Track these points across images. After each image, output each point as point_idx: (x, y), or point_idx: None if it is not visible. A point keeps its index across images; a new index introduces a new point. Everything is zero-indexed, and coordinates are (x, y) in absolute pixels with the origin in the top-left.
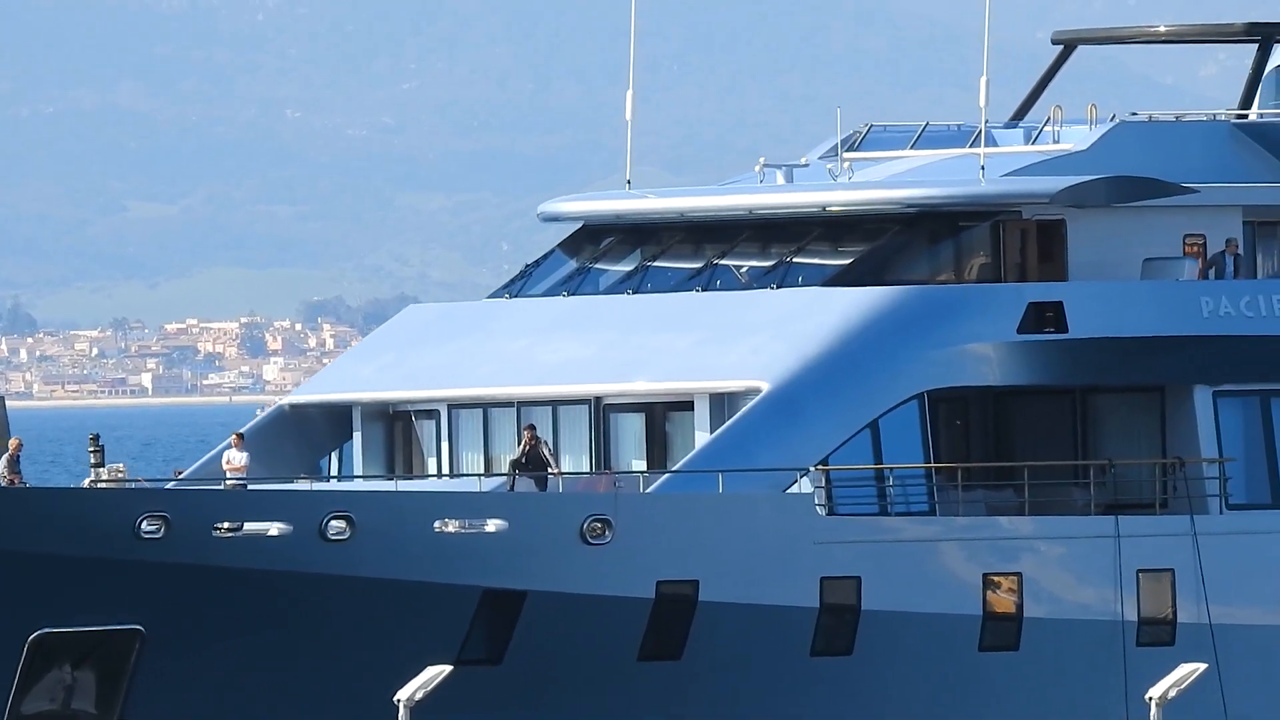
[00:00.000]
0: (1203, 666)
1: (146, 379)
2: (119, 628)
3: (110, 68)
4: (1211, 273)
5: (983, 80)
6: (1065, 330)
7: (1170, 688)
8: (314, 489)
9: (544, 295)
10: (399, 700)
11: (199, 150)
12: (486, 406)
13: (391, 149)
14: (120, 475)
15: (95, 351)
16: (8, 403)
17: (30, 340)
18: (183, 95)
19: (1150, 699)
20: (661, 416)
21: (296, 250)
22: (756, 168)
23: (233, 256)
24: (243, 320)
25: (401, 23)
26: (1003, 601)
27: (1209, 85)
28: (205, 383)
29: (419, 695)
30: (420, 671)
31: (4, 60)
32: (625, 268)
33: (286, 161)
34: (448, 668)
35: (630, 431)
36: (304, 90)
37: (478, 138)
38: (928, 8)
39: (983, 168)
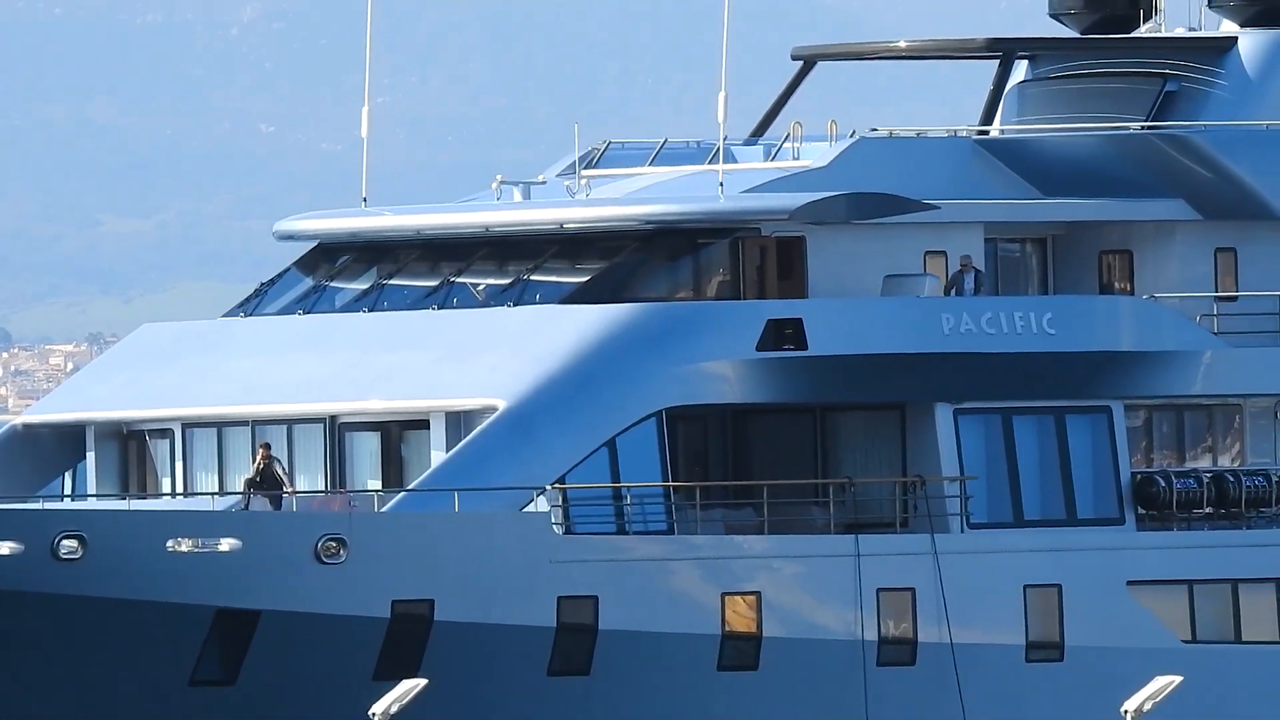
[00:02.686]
0: (1178, 679)
1: None
2: None
3: (84, 82)
4: (954, 289)
5: (721, 96)
6: (804, 347)
7: (1146, 700)
8: (45, 508)
9: (279, 314)
10: (374, 714)
11: (173, 165)
12: (221, 425)
13: (368, 162)
14: None
15: (70, 366)
16: None
17: (5, 355)
18: (157, 110)
19: (1125, 711)
20: (397, 435)
21: (272, 265)
22: (494, 185)
23: (208, 271)
24: None
25: (375, 37)
26: (741, 621)
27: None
28: None
29: (393, 709)
30: (153, 693)
31: None
32: (361, 286)
33: (261, 176)
34: (423, 681)
35: (365, 450)
36: (278, 104)
37: (452, 151)
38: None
39: (721, 184)
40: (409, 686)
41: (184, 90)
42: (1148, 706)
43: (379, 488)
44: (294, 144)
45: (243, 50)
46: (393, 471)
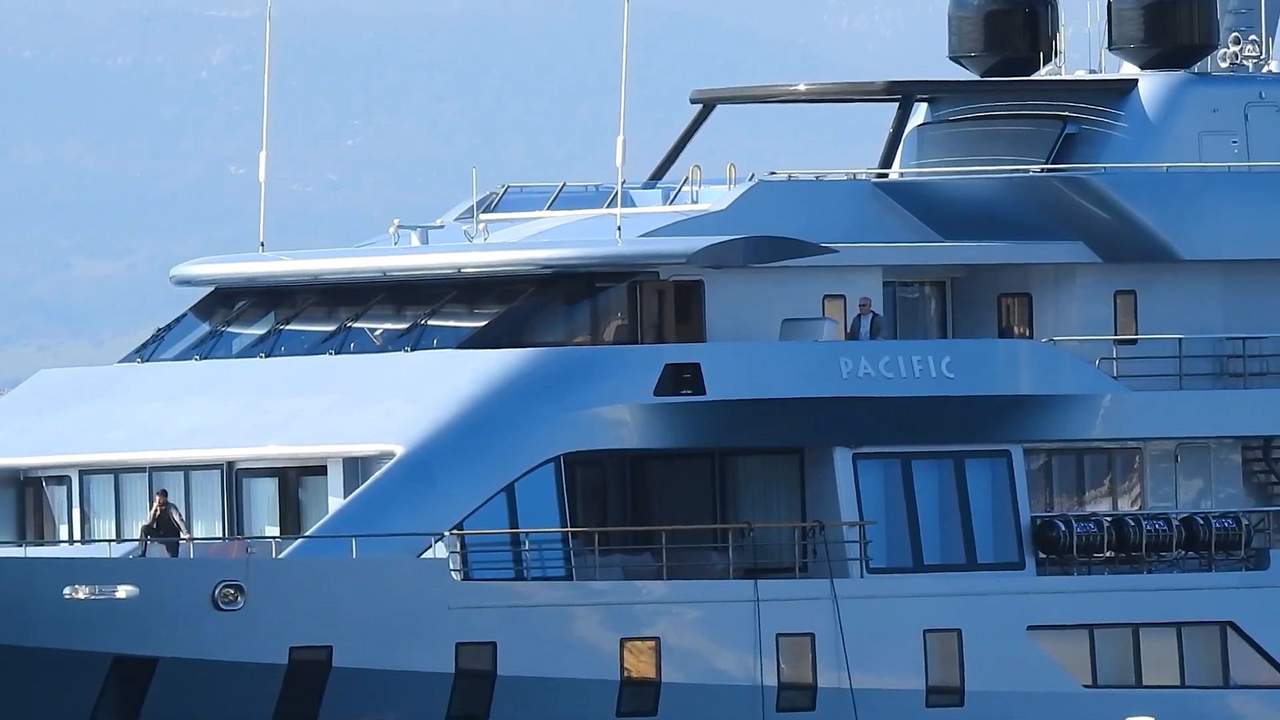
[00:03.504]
0: None
1: None
2: None
3: (55, 124)
4: (852, 334)
5: (619, 140)
6: (703, 392)
7: None
8: None
9: (176, 359)
10: None
11: (144, 207)
12: (118, 472)
13: (335, 205)
14: None
15: None
16: None
17: None
18: (127, 152)
19: None
20: (295, 481)
21: None
22: (391, 229)
23: (179, 313)
24: None
25: (346, 79)
26: (640, 667)
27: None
28: None
29: None
30: None
31: None
32: (258, 331)
33: (231, 218)
34: None
35: (263, 496)
36: (248, 146)
37: (422, 192)
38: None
39: (619, 228)
40: None
41: (154, 133)
42: None
43: (277, 534)
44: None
45: (213, 92)
46: (290, 518)
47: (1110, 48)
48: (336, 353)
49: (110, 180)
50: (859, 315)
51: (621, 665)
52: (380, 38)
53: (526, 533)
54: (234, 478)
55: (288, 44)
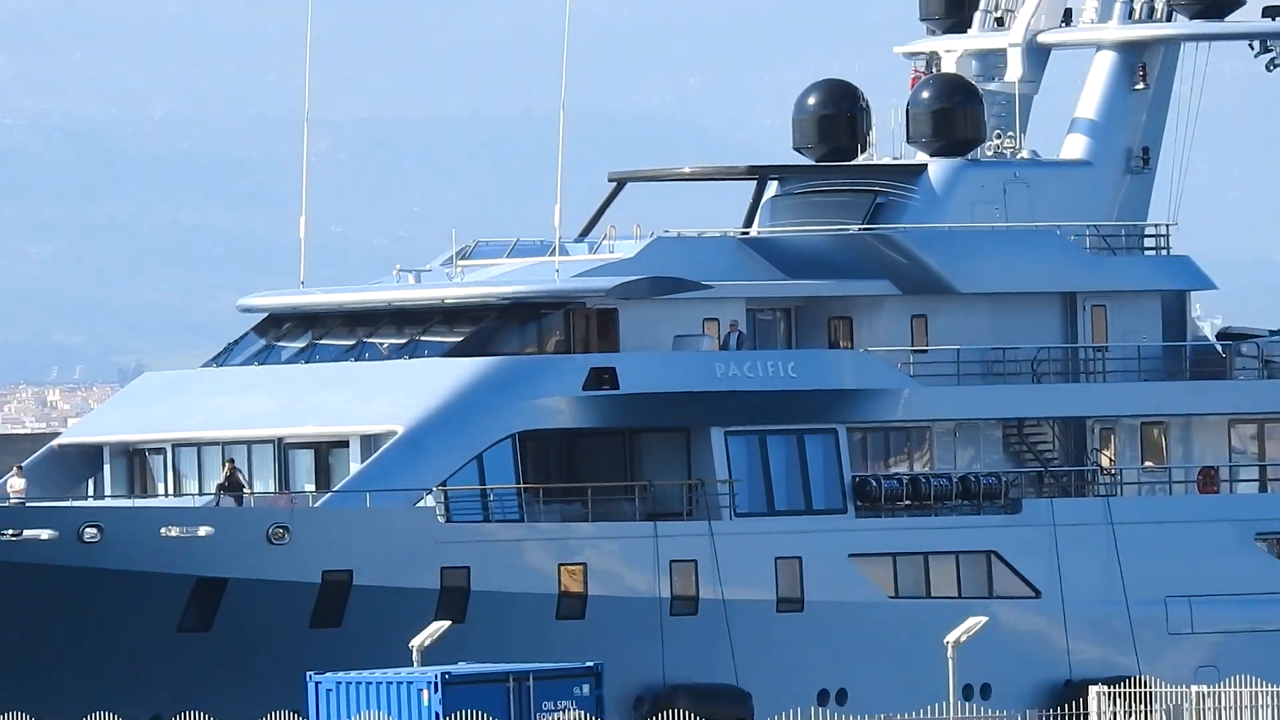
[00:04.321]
0: (984, 619)
1: None
2: None
3: (203, 195)
4: (724, 346)
5: (556, 208)
6: (618, 387)
7: (961, 634)
8: (73, 505)
9: (241, 365)
10: (413, 646)
11: (268, 255)
12: (200, 446)
13: (404, 255)
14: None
15: None
16: None
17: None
18: (255, 216)
19: (947, 643)
20: (326, 452)
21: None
22: (394, 272)
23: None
24: None
25: (408, 158)
26: (573, 584)
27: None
28: None
29: (427, 643)
30: (151, 637)
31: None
32: (299, 345)
33: (326, 262)
34: (448, 622)
35: (303, 463)
36: (341, 211)
37: (417, 245)
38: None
39: (557, 270)
40: (437, 627)
41: (274, 202)
42: (963, 639)
43: (313, 490)
44: (352, 239)
45: (317, 174)
46: (323, 479)
47: (908, 141)
48: (356, 360)
49: (243, 236)
50: (729, 333)
51: (559, 583)
52: (399, 138)
53: (492, 488)
54: (283, 450)
55: (344, 140)
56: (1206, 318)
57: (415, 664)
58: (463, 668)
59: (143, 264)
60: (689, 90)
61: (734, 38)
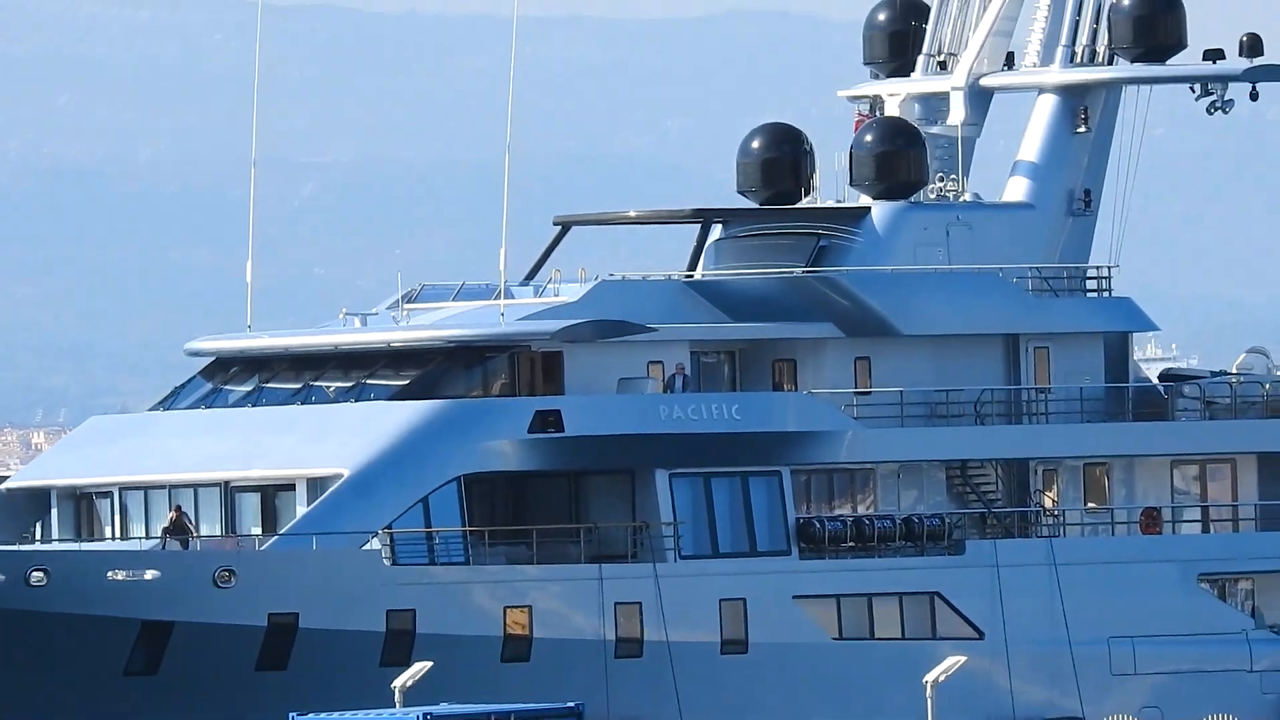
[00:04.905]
0: (963, 659)
1: None
2: None
3: (192, 237)
4: (669, 388)
5: (501, 251)
6: (562, 430)
7: (941, 673)
8: (20, 549)
9: (188, 408)
10: (395, 687)
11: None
12: (146, 489)
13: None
14: None
15: None
16: None
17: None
18: (240, 257)
19: (926, 682)
20: (272, 495)
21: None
22: (340, 315)
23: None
24: None
25: (394, 201)
26: (518, 626)
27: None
28: None
29: (409, 683)
30: (94, 681)
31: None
32: (246, 388)
33: (316, 303)
34: (429, 663)
35: (250, 506)
36: (327, 254)
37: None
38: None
39: (503, 314)
40: (420, 667)
41: (260, 244)
42: (943, 678)
43: (260, 533)
44: (356, 288)
45: (302, 217)
46: (269, 522)
47: (851, 184)
48: (302, 404)
49: (229, 278)
50: (674, 375)
51: (505, 625)
52: (386, 181)
53: (437, 531)
54: (229, 493)
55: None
56: (1183, 358)
57: (397, 704)
58: (444, 708)
59: (129, 306)
60: (670, 132)
61: (713, 83)
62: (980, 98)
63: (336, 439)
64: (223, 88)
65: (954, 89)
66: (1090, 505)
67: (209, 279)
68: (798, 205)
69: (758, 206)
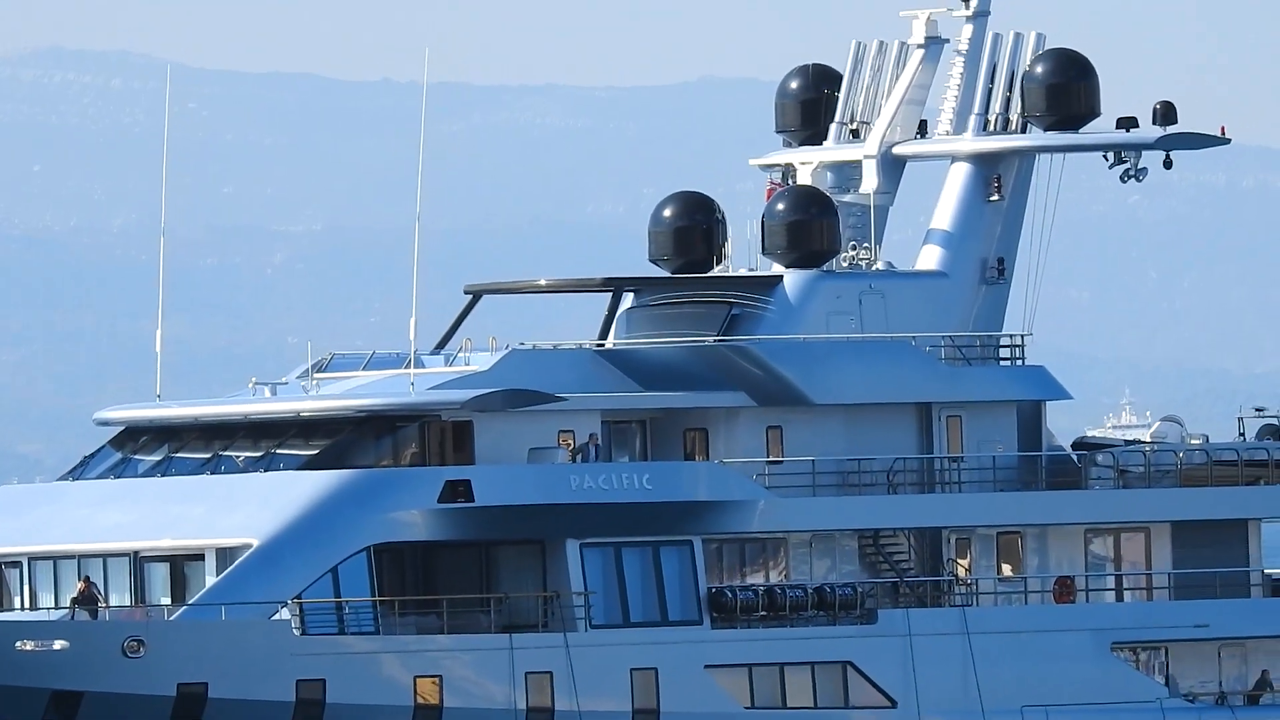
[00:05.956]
0: None
1: None
2: None
3: (164, 304)
4: (579, 458)
5: (412, 320)
6: (473, 500)
7: None
8: None
9: (98, 478)
10: None
11: (225, 363)
12: (55, 559)
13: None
14: None
15: None
16: None
17: None
18: (211, 325)
19: None
20: (181, 565)
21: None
22: (250, 384)
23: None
24: None
25: (366, 267)
26: (429, 696)
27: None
28: None
29: None
30: None
31: None
32: (156, 458)
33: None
34: None
35: (159, 576)
36: (301, 323)
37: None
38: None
39: (413, 383)
40: None
41: (233, 312)
42: None
43: (168, 603)
44: (213, 346)
45: (276, 284)
46: (179, 591)
47: (763, 253)
48: (211, 473)
49: (200, 345)
50: (585, 444)
51: (415, 695)
52: (358, 247)
53: (347, 601)
54: (138, 563)
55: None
56: (1170, 433)
57: None
58: None
59: (104, 373)
60: (643, 200)
61: (696, 149)
62: (893, 166)
63: (246, 509)
64: (192, 158)
65: (866, 157)
66: (1003, 574)
67: (181, 347)
68: (709, 274)
69: (669, 275)
